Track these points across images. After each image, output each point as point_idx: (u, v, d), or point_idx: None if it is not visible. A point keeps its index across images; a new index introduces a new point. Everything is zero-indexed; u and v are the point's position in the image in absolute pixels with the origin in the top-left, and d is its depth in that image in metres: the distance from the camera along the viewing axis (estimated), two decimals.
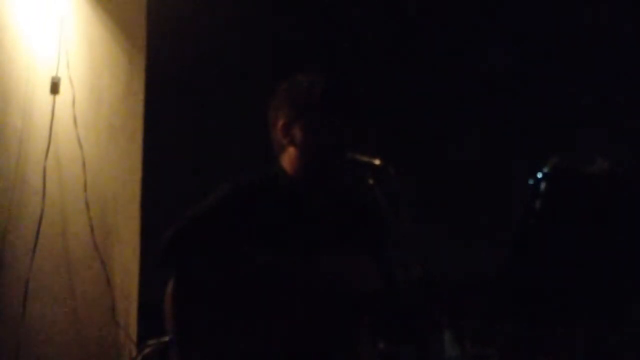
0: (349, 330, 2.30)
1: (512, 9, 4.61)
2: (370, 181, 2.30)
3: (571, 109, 4.52)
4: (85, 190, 3.41)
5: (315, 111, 2.39)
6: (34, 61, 3.32)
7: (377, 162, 2.30)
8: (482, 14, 4.64)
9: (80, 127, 3.42)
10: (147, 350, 3.14)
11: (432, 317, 2.38)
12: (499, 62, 4.67)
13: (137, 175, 3.79)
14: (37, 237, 3.17)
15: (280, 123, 2.43)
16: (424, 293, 2.29)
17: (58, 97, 3.36)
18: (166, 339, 2.89)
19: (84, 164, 3.42)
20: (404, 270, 2.37)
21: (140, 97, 3.84)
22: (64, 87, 3.38)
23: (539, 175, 2.57)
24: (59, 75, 3.37)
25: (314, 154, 2.40)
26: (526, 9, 4.58)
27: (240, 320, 2.25)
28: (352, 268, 2.32)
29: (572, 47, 4.55)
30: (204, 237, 2.29)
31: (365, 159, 2.32)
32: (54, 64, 3.37)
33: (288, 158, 2.44)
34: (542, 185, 2.58)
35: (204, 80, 4.54)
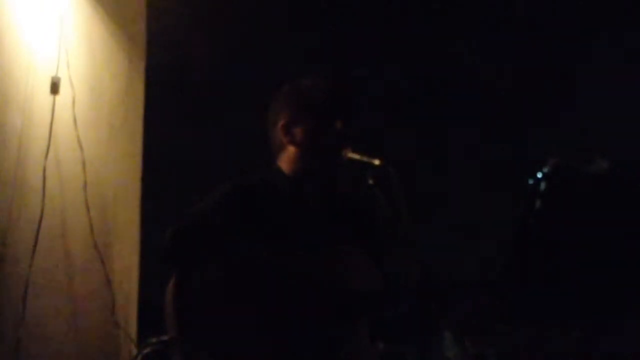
0: (348, 330, 2.30)
1: (514, 8, 4.61)
2: (370, 181, 2.31)
3: (571, 108, 4.52)
4: (85, 190, 3.40)
5: (317, 111, 2.40)
6: (34, 61, 3.32)
7: (376, 162, 2.30)
8: (482, 13, 4.64)
9: (80, 127, 3.42)
10: (147, 350, 3.14)
11: (432, 317, 2.39)
12: (499, 61, 4.67)
13: (137, 175, 3.79)
14: (37, 237, 3.17)
15: (281, 123, 2.43)
16: (424, 293, 2.30)
17: (58, 97, 3.36)
18: (166, 338, 2.89)
19: (84, 164, 3.42)
20: (404, 270, 2.37)
21: (140, 97, 3.84)
22: (63, 87, 3.38)
23: (539, 175, 2.57)
24: (59, 75, 3.37)
25: (315, 154, 2.41)
26: (530, 7, 4.58)
27: (240, 318, 2.26)
28: (352, 268, 2.32)
29: (572, 46, 4.56)
30: (206, 234, 2.30)
31: (365, 159, 2.33)
32: (54, 64, 3.37)
33: (287, 158, 2.45)
34: (542, 185, 2.58)
35: (204, 80, 4.54)
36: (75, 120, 3.41)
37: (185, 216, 2.32)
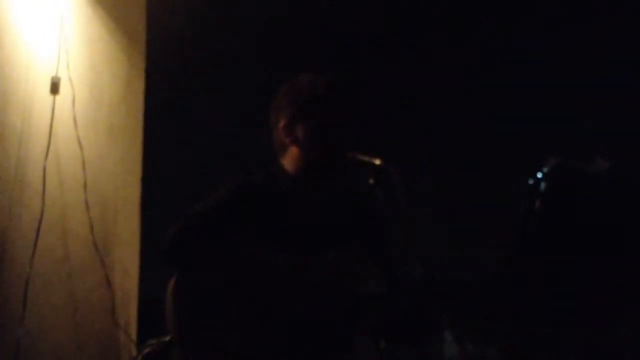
0: (350, 330, 2.30)
1: (511, 8, 4.61)
2: (371, 181, 2.31)
3: (571, 108, 4.52)
4: (85, 190, 3.41)
5: (318, 110, 2.40)
6: (34, 61, 3.32)
7: (377, 161, 2.30)
8: (482, 12, 4.65)
9: (80, 127, 3.42)
10: (147, 350, 3.13)
11: (433, 316, 2.38)
12: (499, 62, 4.67)
13: (137, 175, 3.80)
14: (37, 237, 3.17)
15: (282, 123, 2.43)
16: (424, 293, 2.29)
17: (58, 97, 3.36)
18: (166, 338, 2.89)
19: (84, 164, 3.42)
20: (405, 270, 2.37)
21: (140, 96, 3.85)
22: (63, 87, 3.38)
23: (539, 175, 2.57)
24: (59, 75, 3.37)
25: (316, 153, 2.40)
26: (527, 7, 4.58)
27: (242, 319, 2.25)
28: (354, 268, 2.32)
29: (573, 46, 4.56)
30: (208, 234, 2.29)
31: (366, 158, 2.32)
32: (54, 64, 3.37)
33: (290, 157, 2.44)
34: (542, 185, 2.57)
35: (204, 79, 4.54)
36: (75, 120, 3.41)
37: (187, 216, 2.32)
